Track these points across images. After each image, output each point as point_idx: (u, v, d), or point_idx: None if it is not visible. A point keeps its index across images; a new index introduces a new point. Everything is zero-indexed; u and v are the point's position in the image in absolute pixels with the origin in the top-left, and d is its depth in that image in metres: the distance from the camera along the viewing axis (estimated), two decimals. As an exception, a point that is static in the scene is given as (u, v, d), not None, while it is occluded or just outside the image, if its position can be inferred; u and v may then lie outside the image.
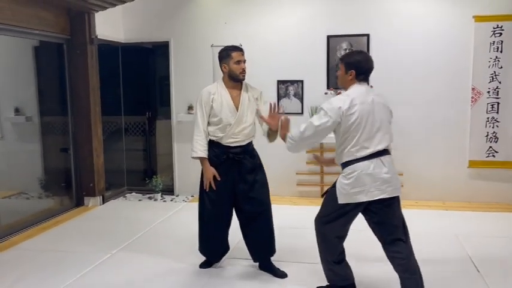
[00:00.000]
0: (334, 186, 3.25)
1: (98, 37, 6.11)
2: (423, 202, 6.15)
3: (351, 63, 3.18)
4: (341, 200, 3.19)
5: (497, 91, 5.95)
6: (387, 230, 3.20)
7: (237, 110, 3.75)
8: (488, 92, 5.97)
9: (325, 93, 6.07)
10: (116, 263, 4.37)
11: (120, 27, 6.62)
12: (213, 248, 4.07)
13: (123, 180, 7.08)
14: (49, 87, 6.33)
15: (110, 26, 6.39)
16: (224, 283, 3.88)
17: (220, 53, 3.82)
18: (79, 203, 6.26)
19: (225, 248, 4.13)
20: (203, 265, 4.15)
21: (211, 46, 6.32)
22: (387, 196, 3.14)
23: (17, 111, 6.07)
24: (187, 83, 6.59)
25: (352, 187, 3.13)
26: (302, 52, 6.18)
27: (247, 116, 3.78)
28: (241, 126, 3.78)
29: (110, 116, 6.79)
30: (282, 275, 3.96)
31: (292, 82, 6.21)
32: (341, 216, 3.23)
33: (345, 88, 3.24)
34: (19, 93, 6.16)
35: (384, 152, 3.19)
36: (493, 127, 6.00)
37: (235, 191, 3.84)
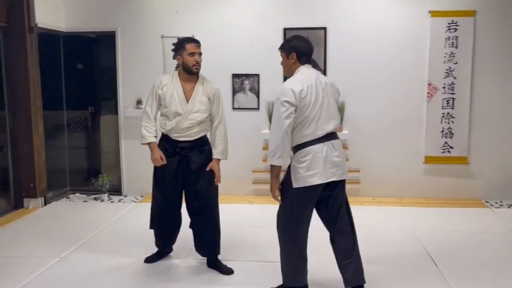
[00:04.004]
0: (286, 177, 3.46)
1: (38, 25, 6.08)
2: (380, 199, 6.42)
3: (291, 47, 3.43)
4: (296, 184, 3.38)
5: (453, 87, 6.38)
6: (335, 212, 3.50)
7: (187, 103, 3.92)
8: (444, 87, 6.39)
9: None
10: (67, 267, 4.42)
11: (61, 15, 6.56)
12: (164, 239, 4.36)
13: (65, 180, 7.06)
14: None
15: (50, 13, 6.34)
16: (168, 278, 4.13)
17: (175, 44, 4.00)
18: (18, 205, 6.22)
19: (174, 239, 4.40)
20: (151, 259, 4.40)
21: (162, 37, 6.39)
22: (337, 179, 3.43)
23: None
24: (136, 75, 6.62)
25: (307, 170, 3.35)
26: (258, 45, 6.29)
27: (198, 111, 3.95)
28: (190, 121, 3.94)
29: (51, 111, 6.77)
30: (228, 272, 4.15)
31: (248, 76, 6.37)
32: (299, 203, 3.43)
33: (291, 74, 3.46)
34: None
35: (334, 134, 3.46)
36: (448, 123, 6.43)
37: (184, 185, 4.10)
